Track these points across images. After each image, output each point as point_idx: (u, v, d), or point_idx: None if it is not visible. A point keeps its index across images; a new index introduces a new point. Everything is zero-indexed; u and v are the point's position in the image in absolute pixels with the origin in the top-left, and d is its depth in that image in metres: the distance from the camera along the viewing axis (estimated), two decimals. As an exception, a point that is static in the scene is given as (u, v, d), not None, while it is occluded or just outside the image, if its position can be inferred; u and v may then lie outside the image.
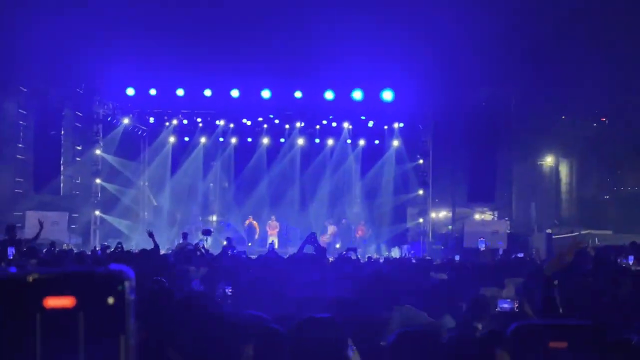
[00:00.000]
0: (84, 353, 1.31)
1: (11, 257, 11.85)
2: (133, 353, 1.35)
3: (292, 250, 19.37)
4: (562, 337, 1.62)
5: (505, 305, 5.40)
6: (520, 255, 17.34)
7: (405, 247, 25.79)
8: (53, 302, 1.31)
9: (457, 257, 18.45)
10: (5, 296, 1.31)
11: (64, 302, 1.31)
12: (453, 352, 3.14)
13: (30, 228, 17.81)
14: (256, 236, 28.06)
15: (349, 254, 12.96)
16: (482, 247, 20.91)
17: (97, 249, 20.71)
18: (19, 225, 16.88)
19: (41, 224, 15.47)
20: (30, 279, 1.33)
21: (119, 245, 17.89)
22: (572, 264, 4.89)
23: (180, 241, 21.57)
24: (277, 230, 27.78)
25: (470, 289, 6.49)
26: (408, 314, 5.46)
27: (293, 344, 3.29)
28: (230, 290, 7.88)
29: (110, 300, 1.33)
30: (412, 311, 5.62)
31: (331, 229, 27.33)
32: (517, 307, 5.49)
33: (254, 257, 14.11)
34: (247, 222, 28.22)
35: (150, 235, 13.63)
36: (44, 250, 15.72)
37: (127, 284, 1.35)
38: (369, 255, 22.69)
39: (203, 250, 16.09)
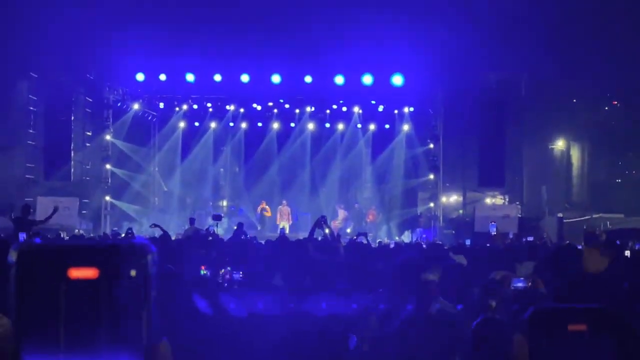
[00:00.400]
0: (106, 322, 1.36)
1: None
2: (155, 324, 1.37)
3: (302, 235, 19.40)
4: (582, 320, 1.60)
5: (520, 284, 5.42)
6: (531, 239, 17.33)
7: (417, 231, 25.75)
8: (77, 272, 1.36)
9: (468, 242, 18.46)
10: (31, 266, 1.36)
11: (88, 273, 1.36)
12: (476, 336, 3.11)
13: (42, 214, 17.87)
14: (266, 213, 27.85)
15: (360, 239, 13.00)
16: (493, 232, 20.85)
17: (108, 234, 20.79)
18: (32, 210, 16.94)
19: (55, 209, 15.63)
20: (55, 249, 1.36)
21: (130, 231, 17.96)
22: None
23: (188, 226, 21.63)
24: (289, 215, 27.72)
25: (483, 273, 6.47)
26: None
27: (292, 332, 3.29)
28: (241, 275, 7.90)
29: (133, 272, 1.38)
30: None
31: (342, 213, 27.29)
32: (530, 285, 5.51)
33: (263, 242, 14.14)
34: (260, 207, 28.16)
35: (155, 226, 13.66)
36: (49, 236, 15.80)
37: (149, 257, 1.40)
38: (380, 240, 22.71)
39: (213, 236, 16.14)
